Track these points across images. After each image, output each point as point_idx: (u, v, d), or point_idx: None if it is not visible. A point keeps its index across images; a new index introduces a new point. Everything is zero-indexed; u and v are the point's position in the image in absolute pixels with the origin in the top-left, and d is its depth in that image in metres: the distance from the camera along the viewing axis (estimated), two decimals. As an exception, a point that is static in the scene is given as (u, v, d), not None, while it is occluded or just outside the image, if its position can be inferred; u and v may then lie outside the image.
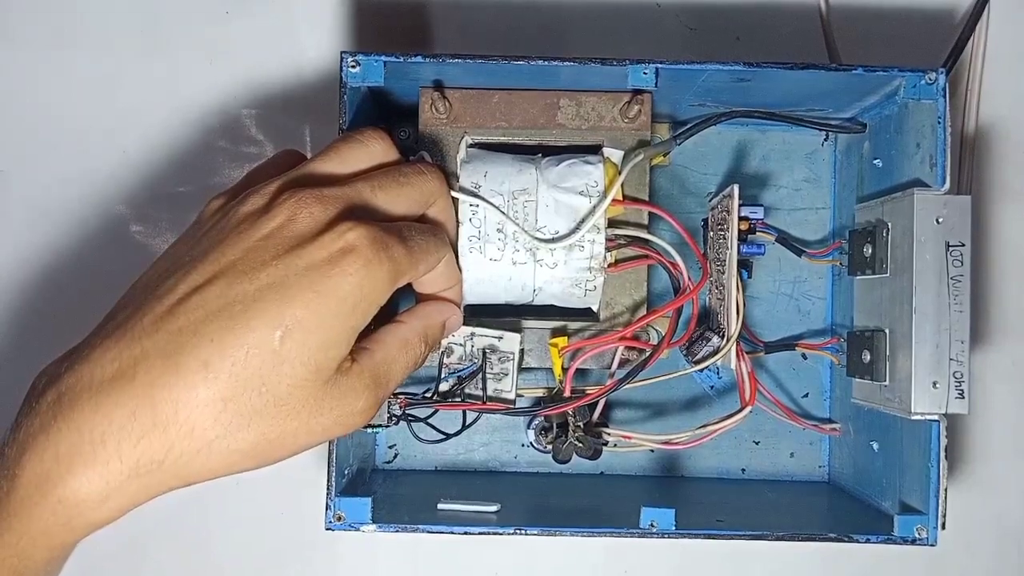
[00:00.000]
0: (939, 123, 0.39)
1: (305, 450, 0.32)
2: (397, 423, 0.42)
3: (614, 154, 0.42)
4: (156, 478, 0.30)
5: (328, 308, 0.30)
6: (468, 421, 0.42)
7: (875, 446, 0.43)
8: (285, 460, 0.32)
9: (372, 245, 0.31)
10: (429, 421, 0.43)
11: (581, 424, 0.43)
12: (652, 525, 0.39)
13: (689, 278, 0.41)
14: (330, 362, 0.31)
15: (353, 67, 0.39)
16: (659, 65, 0.39)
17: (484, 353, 0.41)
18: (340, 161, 0.35)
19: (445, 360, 0.41)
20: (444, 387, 0.41)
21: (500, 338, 0.41)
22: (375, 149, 0.36)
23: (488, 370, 0.41)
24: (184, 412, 0.29)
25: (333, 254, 0.31)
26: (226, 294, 0.30)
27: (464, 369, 0.41)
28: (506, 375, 0.42)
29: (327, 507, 0.39)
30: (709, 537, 0.40)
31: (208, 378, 0.29)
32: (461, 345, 0.41)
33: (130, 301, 0.32)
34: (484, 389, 0.41)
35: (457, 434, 0.42)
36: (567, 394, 0.41)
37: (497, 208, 0.40)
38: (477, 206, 0.40)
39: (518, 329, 0.42)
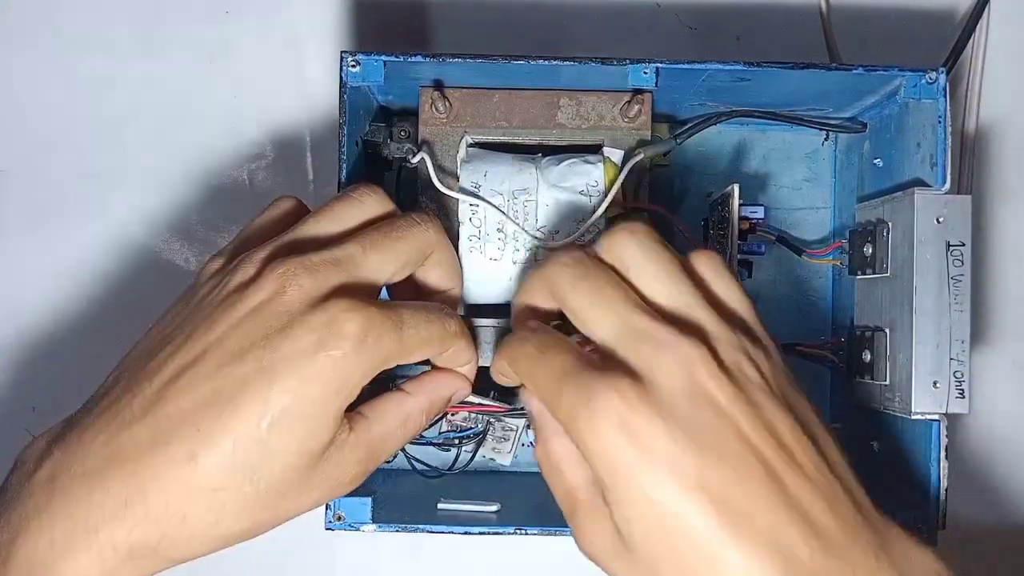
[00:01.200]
0: (939, 123, 0.39)
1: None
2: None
3: (614, 154, 0.42)
4: (149, 562, 0.30)
5: (313, 394, 0.30)
6: (463, 454, 0.43)
7: (875, 446, 0.43)
8: None
9: (362, 329, 0.30)
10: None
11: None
12: (652, 525, 0.39)
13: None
14: (319, 445, 0.31)
15: (353, 67, 0.39)
16: (659, 65, 0.39)
17: (489, 422, 0.42)
18: (332, 220, 0.34)
19: (449, 416, 0.42)
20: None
21: (507, 413, 0.42)
22: (368, 204, 0.35)
23: (490, 434, 0.42)
24: (175, 502, 0.29)
25: (322, 336, 0.30)
26: (214, 377, 0.30)
27: (467, 430, 0.42)
28: (506, 440, 0.42)
29: (327, 507, 0.39)
30: (709, 537, 0.40)
31: (196, 470, 0.29)
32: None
33: (123, 375, 0.32)
34: (474, 452, 0.42)
35: (451, 471, 0.42)
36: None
37: (497, 208, 0.40)
38: (477, 206, 0.40)
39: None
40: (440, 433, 0.43)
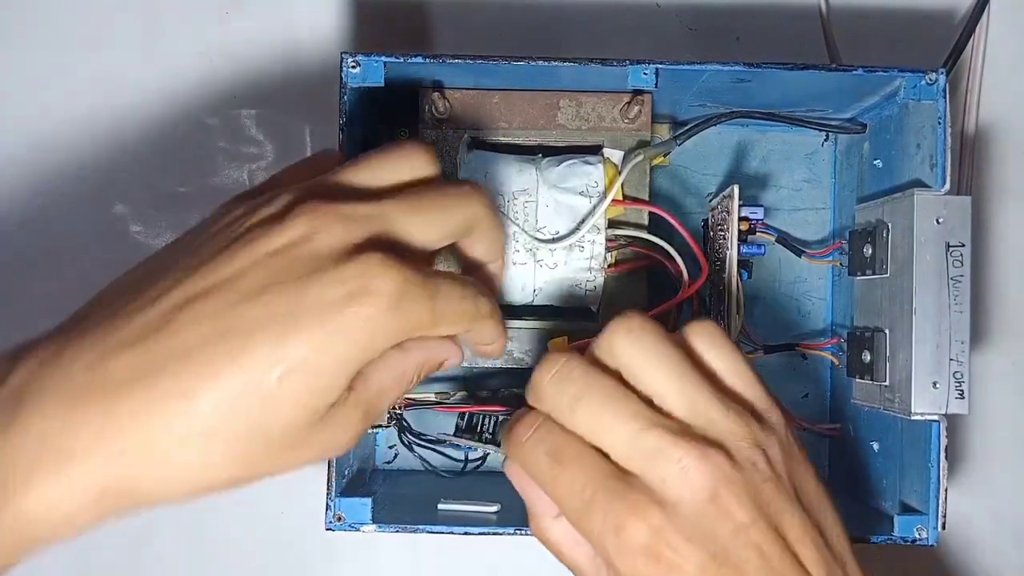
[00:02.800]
0: (939, 123, 0.39)
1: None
2: (397, 424, 0.42)
3: (614, 154, 0.42)
4: (123, 502, 0.27)
5: (335, 350, 0.27)
6: (471, 456, 0.44)
7: (875, 446, 0.43)
8: None
9: (397, 291, 0.28)
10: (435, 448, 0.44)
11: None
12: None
13: (689, 278, 0.42)
14: (325, 405, 0.28)
15: (353, 67, 0.39)
16: (659, 66, 0.39)
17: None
18: (372, 173, 0.31)
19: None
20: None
21: None
22: (416, 163, 0.31)
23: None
24: (161, 442, 0.26)
25: (350, 292, 0.27)
26: (225, 314, 0.27)
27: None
28: None
29: (327, 507, 0.39)
30: (709, 537, 0.40)
31: (190, 411, 0.26)
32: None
33: (120, 293, 0.29)
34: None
35: (463, 472, 0.43)
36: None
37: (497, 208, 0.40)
38: (477, 206, 0.40)
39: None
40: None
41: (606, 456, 0.30)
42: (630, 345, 0.31)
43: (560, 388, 0.31)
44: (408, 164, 0.31)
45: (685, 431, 0.30)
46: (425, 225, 0.30)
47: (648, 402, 0.31)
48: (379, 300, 0.27)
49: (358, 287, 0.27)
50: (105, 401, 0.26)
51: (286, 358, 0.27)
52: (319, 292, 0.27)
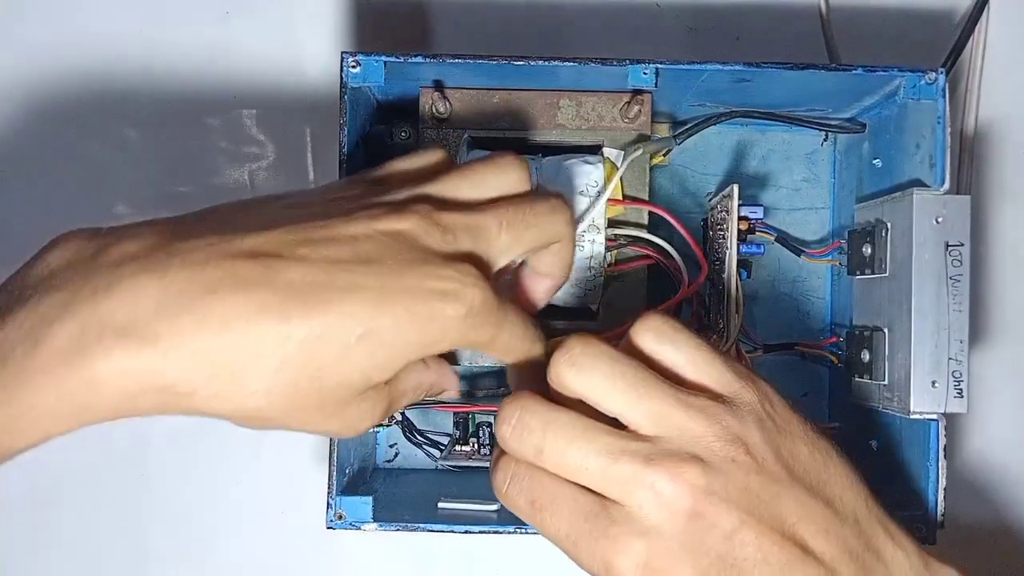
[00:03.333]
0: (939, 123, 0.39)
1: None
2: (400, 424, 0.42)
3: (614, 154, 0.42)
4: (184, 400, 0.27)
5: (411, 334, 0.29)
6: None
7: (874, 445, 0.43)
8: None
9: (478, 307, 0.30)
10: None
11: (581, 423, 0.43)
12: (652, 524, 0.39)
13: (688, 277, 0.42)
14: (375, 381, 0.30)
15: (354, 67, 0.39)
16: (659, 65, 0.39)
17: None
18: (474, 185, 0.33)
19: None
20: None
21: None
22: (511, 178, 0.33)
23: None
24: (240, 355, 0.27)
25: (444, 289, 0.29)
26: (333, 266, 0.28)
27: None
28: None
29: (328, 506, 0.39)
30: (709, 536, 0.40)
31: (280, 333, 0.27)
32: None
33: (242, 209, 0.30)
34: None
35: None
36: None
37: (497, 208, 0.40)
38: (477, 206, 0.40)
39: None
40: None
41: (588, 488, 0.30)
42: (576, 375, 0.31)
43: (521, 441, 0.31)
44: (507, 179, 0.33)
45: (654, 451, 0.30)
46: (514, 241, 0.32)
47: (617, 423, 0.31)
48: (462, 307, 0.29)
49: (450, 288, 0.29)
50: (204, 300, 0.27)
51: (371, 323, 0.28)
52: (417, 279, 0.29)
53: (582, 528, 0.30)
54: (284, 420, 0.29)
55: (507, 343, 0.32)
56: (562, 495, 0.31)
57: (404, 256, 0.29)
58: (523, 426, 0.31)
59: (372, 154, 0.43)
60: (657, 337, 0.32)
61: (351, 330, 0.28)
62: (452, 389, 0.37)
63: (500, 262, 0.32)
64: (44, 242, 0.33)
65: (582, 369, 0.31)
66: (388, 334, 0.29)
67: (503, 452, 0.32)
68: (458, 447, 0.43)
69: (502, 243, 0.32)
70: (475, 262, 0.31)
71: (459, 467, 0.44)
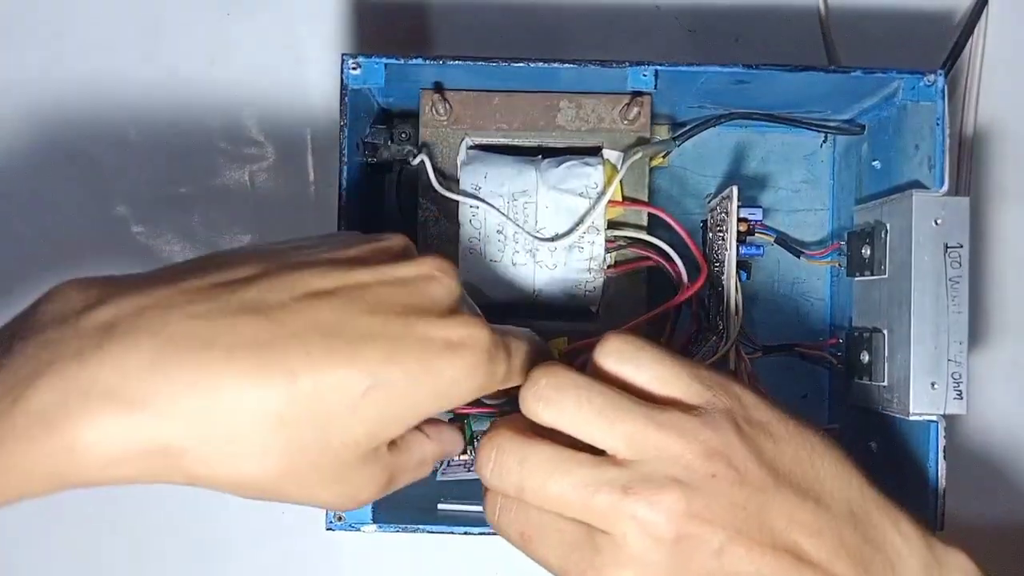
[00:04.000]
0: (938, 125, 0.39)
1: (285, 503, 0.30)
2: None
3: (613, 156, 0.42)
4: (173, 466, 0.26)
5: (421, 387, 0.28)
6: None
7: (873, 446, 0.43)
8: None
9: (485, 352, 0.30)
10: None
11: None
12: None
13: (688, 279, 0.42)
14: (381, 439, 0.29)
15: (354, 69, 0.39)
16: (658, 67, 0.39)
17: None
18: None
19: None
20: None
21: None
22: None
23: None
24: (241, 414, 0.26)
25: (451, 341, 0.29)
26: (341, 316, 0.28)
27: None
28: None
29: (328, 507, 0.39)
30: (708, 537, 0.40)
31: (282, 390, 0.26)
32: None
33: (236, 259, 0.29)
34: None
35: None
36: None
37: (497, 209, 0.40)
38: (477, 208, 0.40)
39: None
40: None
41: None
42: (546, 408, 0.30)
43: (501, 479, 0.31)
44: None
45: (632, 478, 0.29)
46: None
47: (593, 449, 0.30)
48: (470, 356, 0.29)
49: (458, 339, 0.29)
50: (208, 355, 0.26)
51: (380, 376, 0.28)
52: (425, 330, 0.29)
53: (570, 558, 0.30)
54: (281, 485, 0.28)
55: (515, 373, 0.32)
56: (549, 526, 0.31)
57: (415, 303, 0.29)
58: (501, 466, 0.31)
59: (372, 164, 0.43)
60: (618, 359, 0.31)
61: (359, 383, 0.27)
62: (458, 448, 0.36)
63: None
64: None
65: (550, 402, 0.30)
66: (398, 388, 0.28)
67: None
68: (457, 457, 0.43)
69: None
70: (479, 316, 0.31)
71: (459, 480, 0.44)
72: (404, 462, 0.32)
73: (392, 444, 0.31)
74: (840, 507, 0.31)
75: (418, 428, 0.33)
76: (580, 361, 0.36)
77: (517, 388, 0.32)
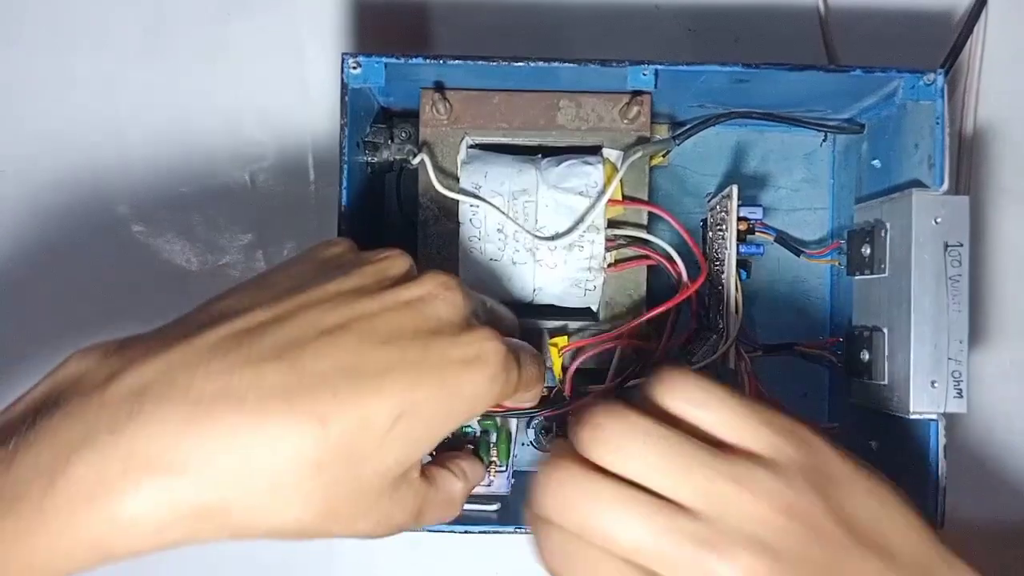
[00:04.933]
0: (937, 124, 0.39)
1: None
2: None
3: (613, 155, 0.42)
4: (218, 525, 0.26)
5: (445, 407, 0.29)
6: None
7: (874, 445, 0.43)
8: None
9: (501, 363, 0.30)
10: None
11: (581, 424, 0.43)
12: (652, 524, 0.39)
13: (688, 278, 0.42)
14: (410, 464, 0.29)
15: (354, 68, 0.39)
16: (658, 66, 0.39)
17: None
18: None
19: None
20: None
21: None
22: None
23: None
24: (279, 464, 0.26)
25: (468, 356, 0.29)
26: (359, 349, 0.28)
27: None
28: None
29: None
30: (709, 536, 0.40)
31: (318, 436, 0.26)
32: None
33: (242, 304, 0.29)
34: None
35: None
36: (567, 394, 0.42)
37: (497, 209, 0.40)
38: (477, 207, 0.40)
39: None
40: None
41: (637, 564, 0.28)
42: (609, 454, 0.29)
43: (565, 515, 0.29)
44: None
45: (710, 533, 0.28)
46: (497, 318, 0.35)
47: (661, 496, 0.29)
48: (488, 369, 0.30)
49: (473, 354, 0.30)
50: (240, 412, 0.26)
51: (406, 403, 0.28)
52: (441, 351, 0.29)
53: None
54: (323, 525, 0.28)
55: (526, 378, 0.33)
56: (608, 570, 0.29)
57: (426, 324, 0.29)
58: (566, 499, 0.29)
59: (373, 172, 0.43)
60: (685, 400, 0.30)
61: (388, 416, 0.28)
62: (480, 481, 0.37)
63: (500, 322, 0.35)
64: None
65: (613, 449, 0.29)
66: (424, 410, 0.28)
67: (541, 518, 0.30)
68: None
69: (500, 310, 0.35)
70: (489, 326, 0.31)
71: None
72: (434, 495, 0.32)
73: (423, 475, 0.32)
74: (910, 561, 0.30)
75: (446, 467, 0.34)
76: (629, 393, 0.36)
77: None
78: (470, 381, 0.29)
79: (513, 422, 0.41)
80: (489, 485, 0.41)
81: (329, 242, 0.33)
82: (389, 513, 0.30)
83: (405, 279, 0.31)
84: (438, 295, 0.30)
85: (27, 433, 0.25)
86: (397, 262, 0.32)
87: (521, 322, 0.40)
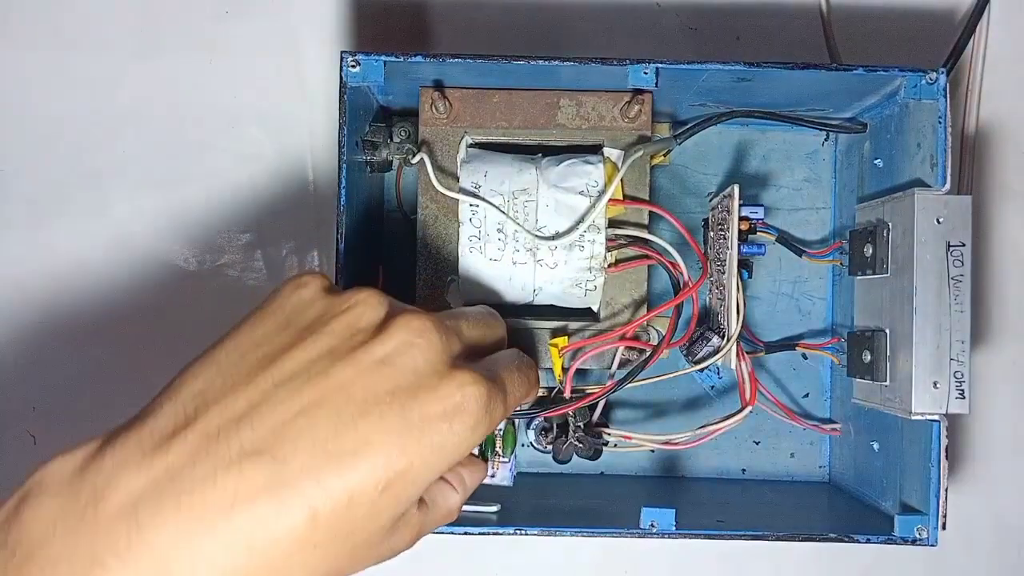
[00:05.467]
0: (940, 123, 0.39)
1: None
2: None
3: (614, 154, 0.42)
4: None
5: (430, 464, 0.29)
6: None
7: (875, 446, 0.43)
8: None
9: (483, 407, 0.30)
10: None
11: (581, 424, 0.43)
12: (652, 525, 0.39)
13: (689, 278, 0.41)
14: (404, 512, 0.30)
15: (353, 67, 0.39)
16: (659, 65, 0.39)
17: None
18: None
19: None
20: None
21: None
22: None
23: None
24: (276, 551, 0.27)
25: (448, 409, 0.29)
26: (338, 427, 0.28)
27: None
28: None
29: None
30: (709, 537, 0.40)
31: (309, 523, 0.27)
32: None
33: (215, 388, 0.29)
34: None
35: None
36: (567, 394, 0.41)
37: (497, 208, 0.40)
38: (477, 206, 0.40)
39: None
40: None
41: None
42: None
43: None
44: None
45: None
46: (481, 336, 0.34)
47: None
48: (469, 419, 0.30)
49: (453, 406, 0.30)
50: (231, 512, 0.26)
51: (390, 472, 0.28)
52: (421, 409, 0.29)
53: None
54: None
55: (516, 399, 0.33)
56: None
57: (402, 383, 0.29)
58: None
59: (372, 172, 0.43)
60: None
61: (375, 488, 0.28)
62: (482, 479, 0.38)
63: (479, 349, 0.34)
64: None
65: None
66: (410, 473, 0.29)
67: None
68: None
69: (474, 335, 0.34)
70: (468, 367, 0.31)
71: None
72: (433, 514, 0.34)
73: (421, 502, 0.33)
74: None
75: (444, 479, 0.35)
76: None
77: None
78: (451, 434, 0.29)
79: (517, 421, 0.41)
80: (493, 477, 0.41)
81: (298, 283, 0.32)
82: (391, 548, 0.31)
83: (380, 327, 0.30)
84: (413, 343, 0.30)
85: (19, 558, 0.25)
86: (368, 308, 0.31)
87: (511, 323, 0.40)
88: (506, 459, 0.41)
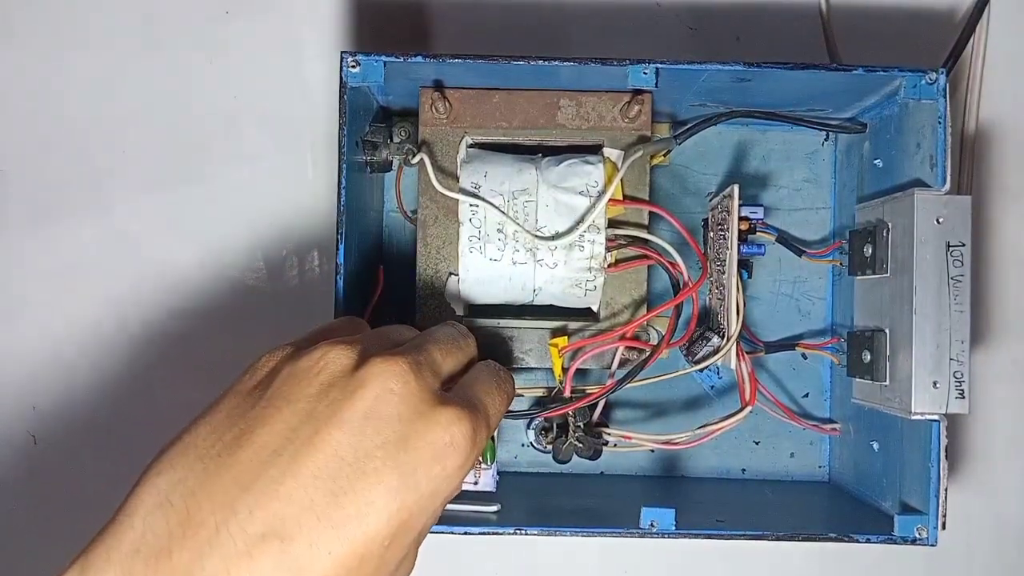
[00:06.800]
0: (939, 123, 0.39)
1: None
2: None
3: (614, 154, 0.42)
4: None
5: (429, 509, 0.30)
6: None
7: (875, 446, 0.43)
8: None
9: (471, 439, 0.31)
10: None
11: (581, 424, 0.43)
12: (652, 525, 0.39)
13: (689, 278, 0.41)
14: (408, 551, 0.30)
15: (353, 67, 0.39)
16: (659, 65, 0.39)
17: None
18: (396, 329, 0.35)
19: None
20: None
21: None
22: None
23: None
24: None
25: (438, 452, 0.30)
26: (335, 492, 0.28)
27: None
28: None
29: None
30: (709, 537, 0.40)
31: None
32: None
33: (195, 475, 0.28)
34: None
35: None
36: (567, 394, 0.41)
37: (497, 208, 0.40)
38: (477, 206, 0.40)
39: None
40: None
41: None
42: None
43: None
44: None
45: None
46: (454, 362, 0.34)
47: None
48: (461, 454, 0.30)
49: (443, 447, 0.30)
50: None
51: (393, 527, 0.29)
52: (409, 456, 0.29)
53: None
54: None
55: (499, 413, 0.34)
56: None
57: (388, 434, 0.29)
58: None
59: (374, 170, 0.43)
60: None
61: (381, 544, 0.28)
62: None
63: (449, 375, 0.34)
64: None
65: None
66: (411, 520, 0.29)
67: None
68: None
69: (448, 365, 0.34)
70: (454, 403, 0.31)
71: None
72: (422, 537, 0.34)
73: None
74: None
75: None
76: None
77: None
78: (445, 476, 0.30)
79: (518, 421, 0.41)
80: (476, 484, 0.41)
81: (259, 361, 0.32)
82: (404, 572, 0.32)
83: (353, 372, 0.30)
84: (392, 389, 0.30)
85: None
86: (335, 361, 0.31)
87: (481, 330, 0.41)
88: (487, 466, 0.41)
